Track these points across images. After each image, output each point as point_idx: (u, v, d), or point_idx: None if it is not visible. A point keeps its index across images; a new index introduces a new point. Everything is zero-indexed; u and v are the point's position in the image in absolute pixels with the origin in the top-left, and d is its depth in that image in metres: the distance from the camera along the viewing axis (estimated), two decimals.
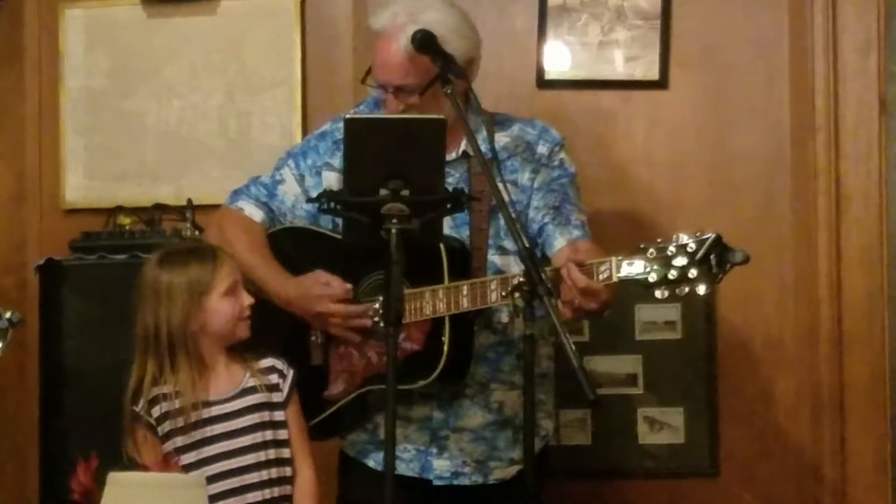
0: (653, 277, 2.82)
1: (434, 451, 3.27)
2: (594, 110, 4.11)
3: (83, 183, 4.41)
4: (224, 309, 3.08)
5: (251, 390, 3.10)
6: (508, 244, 3.20)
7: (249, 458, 3.04)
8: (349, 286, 3.26)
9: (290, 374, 3.17)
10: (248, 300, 3.13)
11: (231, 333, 3.11)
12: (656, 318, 4.00)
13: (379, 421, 3.17)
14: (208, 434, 3.03)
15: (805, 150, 3.98)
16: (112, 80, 4.40)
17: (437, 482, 3.23)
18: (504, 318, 3.20)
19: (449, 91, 2.97)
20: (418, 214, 2.71)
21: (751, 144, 4.08)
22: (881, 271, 4.01)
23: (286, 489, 3.10)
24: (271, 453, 3.06)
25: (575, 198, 3.33)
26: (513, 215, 2.93)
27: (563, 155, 3.34)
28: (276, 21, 4.36)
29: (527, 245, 2.78)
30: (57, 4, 4.38)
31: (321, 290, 3.22)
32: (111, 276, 3.84)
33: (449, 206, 2.85)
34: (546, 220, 3.26)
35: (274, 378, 3.16)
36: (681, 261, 2.79)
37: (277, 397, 3.14)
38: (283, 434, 3.13)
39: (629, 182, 4.11)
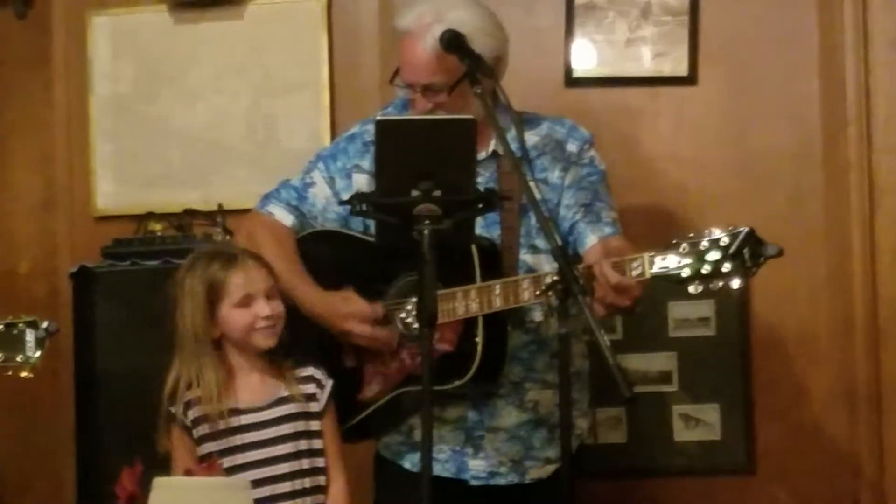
0: (686, 273, 2.80)
1: (469, 451, 3.24)
2: (622, 108, 4.09)
3: (113, 189, 4.38)
4: (234, 319, 3.06)
5: (286, 399, 3.08)
6: (540, 243, 3.17)
7: (283, 468, 3.02)
8: (377, 308, 3.21)
9: (329, 384, 3.13)
10: (267, 310, 3.05)
11: (247, 343, 3.09)
12: (690, 315, 3.96)
13: (414, 422, 3.16)
14: (239, 442, 3.00)
15: (836, 145, 3.95)
16: (139, 86, 4.39)
17: (473, 482, 3.20)
18: (537, 316, 3.17)
19: (479, 90, 2.94)
20: (450, 215, 2.65)
21: (780, 140, 4.03)
22: None
23: (319, 498, 3.06)
24: (305, 463, 3.05)
25: (605, 195, 3.30)
26: (544, 213, 2.92)
27: (592, 153, 3.31)
28: (302, 24, 4.34)
29: (559, 243, 2.75)
30: (84, 11, 4.35)
31: (348, 308, 3.21)
32: (143, 282, 3.80)
33: (481, 206, 2.80)
34: (577, 217, 3.21)
35: (311, 388, 3.14)
36: (714, 255, 2.78)
37: (315, 407, 3.12)
38: (318, 444, 3.11)
39: (658, 179, 4.08)
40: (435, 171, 2.67)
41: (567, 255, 2.92)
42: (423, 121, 3.07)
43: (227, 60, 4.39)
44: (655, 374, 4.02)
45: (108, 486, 2.97)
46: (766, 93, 4.06)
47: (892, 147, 3.96)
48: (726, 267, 2.78)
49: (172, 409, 2.98)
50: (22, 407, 4.24)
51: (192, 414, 3.03)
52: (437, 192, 2.61)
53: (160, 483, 2.26)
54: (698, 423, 4.05)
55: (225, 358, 3.06)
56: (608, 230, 3.16)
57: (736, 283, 2.78)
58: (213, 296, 3.01)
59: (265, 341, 3.03)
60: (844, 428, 3.92)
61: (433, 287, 2.66)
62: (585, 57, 4.10)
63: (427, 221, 2.60)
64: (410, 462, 3.17)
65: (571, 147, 3.30)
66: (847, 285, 3.97)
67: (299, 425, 3.05)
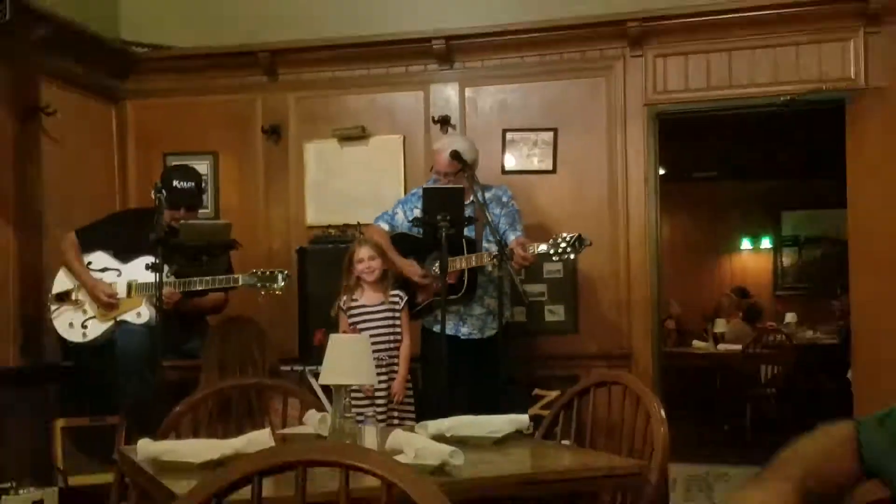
0: (551, 251, 4.14)
1: (461, 324, 4.51)
2: (526, 183, 5.23)
3: (314, 214, 5.54)
4: (356, 269, 4.21)
5: (385, 303, 4.27)
6: (491, 238, 4.24)
7: (384, 335, 4.24)
8: (419, 268, 4.41)
9: (405, 298, 4.32)
10: (362, 266, 4.17)
11: (363, 278, 4.21)
12: (552, 269, 5.18)
13: (438, 312, 4.22)
14: (365, 321, 4.24)
15: (615, 203, 5.19)
16: (325, 174, 5.56)
17: (462, 337, 4.50)
18: (489, 269, 4.33)
19: (466, 174, 4.32)
20: (453, 226, 4.08)
21: (593, 197, 5.24)
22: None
23: (397, 346, 4.29)
24: (392, 332, 4.28)
25: (519, 219, 4.56)
26: (493, 227, 4.18)
27: (513, 201, 4.62)
28: (393, 147, 5.48)
29: (499, 238, 4.11)
30: (301, 141, 5.52)
31: (412, 267, 4.45)
32: (327, 255, 4.92)
33: (466, 223, 4.25)
34: (506, 228, 4.42)
35: (396, 299, 4.29)
36: (563, 244, 4.12)
37: (397, 308, 4.29)
38: (398, 323, 4.31)
39: (541, 212, 5.23)
40: (446, 208, 4.07)
41: (502, 244, 4.12)
42: (442, 187, 4.35)
43: (362, 161, 5.51)
44: (537, 293, 5.24)
45: (311, 339, 4.77)
46: (587, 175, 5.27)
47: (637, 204, 5.17)
48: (569, 249, 4.13)
49: (341, 304, 4.28)
50: (275, 305, 4.97)
51: (346, 306, 4.29)
52: (448, 217, 4.04)
53: (333, 337, 2.56)
54: (555, 313, 5.30)
55: (362, 284, 4.27)
56: (519, 234, 4.39)
57: (573, 256, 4.19)
58: (352, 258, 4.23)
59: (367, 277, 4.23)
60: (615, 314, 5.20)
61: (446, 256, 4.05)
62: (510, 161, 5.33)
63: (443, 229, 4.02)
64: (436, 328, 4.25)
65: (504, 199, 4.59)
66: (616, 257, 5.17)
67: (390, 315, 4.28)
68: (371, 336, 3.88)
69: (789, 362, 8.76)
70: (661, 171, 5.38)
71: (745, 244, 12.43)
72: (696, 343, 9.45)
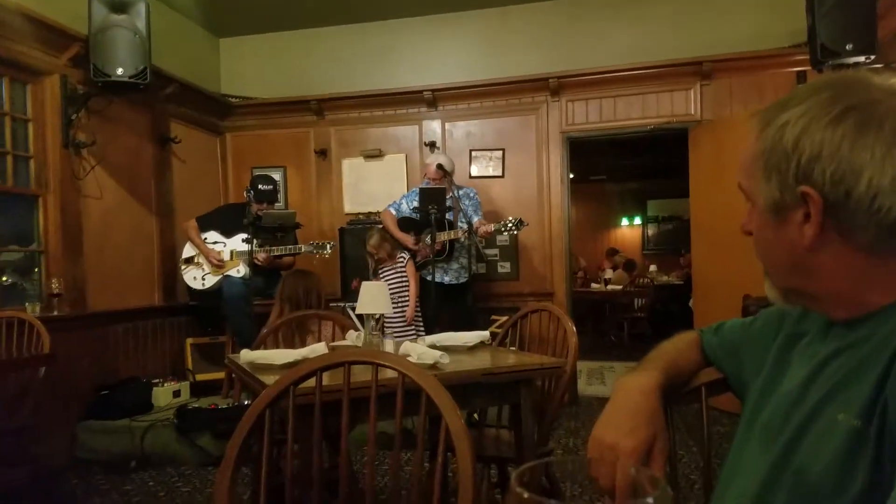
0: (502, 229, 4.14)
1: (444, 274, 4.41)
2: (485, 184, 5.15)
3: (349, 206, 5.43)
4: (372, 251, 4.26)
5: (397, 262, 4.27)
6: (463, 221, 4.23)
7: (395, 285, 4.20)
8: (413, 239, 4.35)
9: (408, 256, 4.29)
10: (371, 242, 4.17)
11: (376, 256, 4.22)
12: (503, 240, 5.08)
13: (430, 267, 4.19)
14: (385, 276, 4.23)
15: (542, 194, 5.11)
16: (357, 179, 5.37)
17: (446, 283, 4.40)
18: (462, 240, 4.30)
19: (448, 179, 4.31)
20: (439, 213, 4.10)
21: (528, 195, 5.15)
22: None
23: (407, 293, 4.24)
24: (401, 282, 4.22)
25: (479, 208, 4.50)
26: (464, 212, 4.20)
27: (477, 196, 4.55)
28: (397, 163, 5.36)
29: (468, 220, 4.14)
30: (342, 158, 5.44)
31: (409, 238, 4.39)
32: (358, 232, 4.89)
33: (447, 210, 4.27)
34: (472, 213, 4.36)
35: (403, 260, 4.28)
36: (510, 224, 4.13)
37: (402, 263, 4.28)
38: (405, 275, 4.27)
39: (495, 203, 5.15)
40: (435, 201, 4.10)
41: (470, 224, 4.14)
42: (432, 188, 4.26)
43: (380, 171, 5.37)
44: (493, 254, 5.18)
45: (349, 285, 4.71)
46: (524, 180, 5.17)
47: (555, 205, 5.06)
48: (513, 228, 4.14)
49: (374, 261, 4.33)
50: (327, 263, 4.78)
51: (373, 266, 4.38)
52: (435, 206, 4.05)
53: (365, 284, 2.39)
54: (504, 267, 5.19)
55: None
56: (480, 217, 4.38)
57: (516, 231, 4.14)
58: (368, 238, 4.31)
59: (377, 255, 4.22)
60: (543, 267, 5.09)
61: (435, 231, 4.09)
62: (474, 170, 5.22)
63: (432, 214, 4.04)
64: (429, 278, 4.23)
65: (471, 195, 4.52)
66: (543, 230, 5.06)
67: (400, 269, 4.28)
68: (389, 283, 3.91)
69: (652, 296, 8.82)
70: (571, 176, 5.28)
71: (624, 222, 12.51)
72: (594, 285, 9.53)
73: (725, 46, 4.66)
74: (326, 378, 1.39)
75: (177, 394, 4.40)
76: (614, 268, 10.20)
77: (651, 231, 12.23)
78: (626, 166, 10.47)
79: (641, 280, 9.19)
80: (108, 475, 3.64)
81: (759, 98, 4.55)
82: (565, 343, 2.42)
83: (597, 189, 12.02)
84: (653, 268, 10.36)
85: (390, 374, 1.29)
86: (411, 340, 2.42)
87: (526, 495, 0.44)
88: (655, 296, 8.86)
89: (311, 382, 1.33)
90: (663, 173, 10.28)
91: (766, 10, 4.61)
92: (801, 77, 4.32)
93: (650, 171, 10.85)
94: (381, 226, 4.49)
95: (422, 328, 4.29)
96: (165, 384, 4.36)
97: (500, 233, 4.22)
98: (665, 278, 9.85)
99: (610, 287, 9.24)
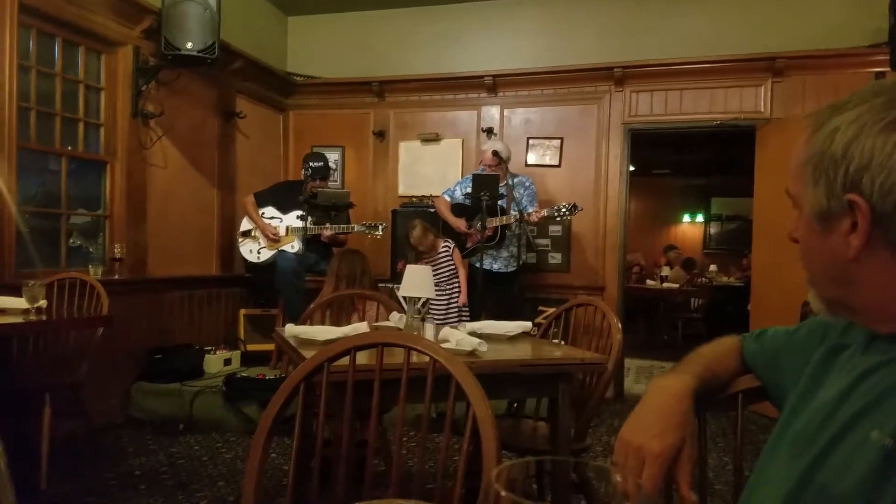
0: (555, 214, 4.12)
1: (493, 262, 4.40)
2: (540, 173, 5.09)
3: (404, 188, 5.47)
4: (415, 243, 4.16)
5: (448, 249, 4.29)
6: (515, 208, 4.23)
7: (440, 274, 4.22)
8: (467, 223, 4.35)
9: (453, 244, 4.27)
10: (413, 234, 4.13)
11: (419, 248, 4.17)
12: (554, 229, 5.05)
13: (479, 254, 4.21)
14: (431, 263, 4.18)
15: (599, 185, 5.03)
16: (413, 162, 5.45)
17: (494, 270, 4.39)
18: (513, 227, 4.31)
19: (504, 166, 4.33)
20: (491, 199, 4.11)
21: (585, 186, 5.07)
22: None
23: (452, 282, 4.24)
24: (446, 271, 4.27)
25: (535, 198, 4.44)
26: (516, 200, 4.27)
27: (532, 185, 4.51)
28: (454, 147, 5.36)
29: (520, 209, 4.16)
30: (399, 141, 5.47)
31: (462, 224, 4.39)
32: (411, 215, 4.82)
33: (499, 198, 4.25)
34: (526, 203, 4.35)
35: (447, 249, 4.27)
36: (564, 210, 4.10)
37: (447, 252, 4.27)
38: (452, 264, 4.26)
39: (551, 193, 5.08)
40: (487, 188, 4.11)
41: (521, 212, 4.14)
42: (486, 174, 4.28)
43: (435, 155, 5.39)
44: (544, 244, 5.13)
45: (396, 265, 4.67)
46: (581, 170, 5.08)
47: (613, 197, 4.98)
48: (566, 213, 4.10)
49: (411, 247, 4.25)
50: (378, 244, 4.96)
51: (412, 259, 4.11)
52: (488, 193, 4.07)
53: (409, 266, 2.38)
54: (555, 258, 5.12)
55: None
56: (535, 206, 4.30)
57: (569, 216, 4.12)
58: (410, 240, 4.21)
59: (421, 247, 4.14)
60: (594, 259, 5.03)
61: (485, 217, 4.11)
62: (531, 158, 5.17)
63: (484, 200, 4.06)
64: (478, 265, 4.23)
65: (527, 184, 4.49)
66: (597, 221, 5.02)
67: (444, 258, 4.28)
68: (434, 270, 3.90)
69: (709, 297, 8.58)
70: (631, 168, 5.19)
71: (686, 218, 12.20)
72: (649, 282, 9.34)
73: (800, 43, 4.52)
74: (362, 357, 1.39)
75: (227, 362, 4.49)
76: (668, 264, 9.97)
77: (713, 229, 11.88)
78: (690, 161, 10.19)
79: (700, 280, 8.95)
80: (157, 436, 3.76)
81: (833, 98, 4.37)
82: (610, 339, 2.39)
83: (659, 183, 11.74)
84: (713, 267, 10.07)
85: (424, 358, 1.30)
86: (453, 327, 2.41)
87: (503, 493, 0.42)
88: (713, 297, 8.62)
89: (346, 360, 1.34)
90: (729, 170, 9.95)
91: (846, 7, 4.45)
92: (880, 79, 4.18)
93: (715, 168, 10.53)
94: (418, 220, 4.45)
95: (466, 315, 4.26)
96: (217, 352, 4.44)
97: (553, 218, 4.18)
98: (725, 279, 9.55)
99: (666, 285, 9.05)
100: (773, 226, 4.48)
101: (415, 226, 4.17)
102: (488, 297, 4.25)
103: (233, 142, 5.09)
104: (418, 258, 4.17)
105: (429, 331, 2.32)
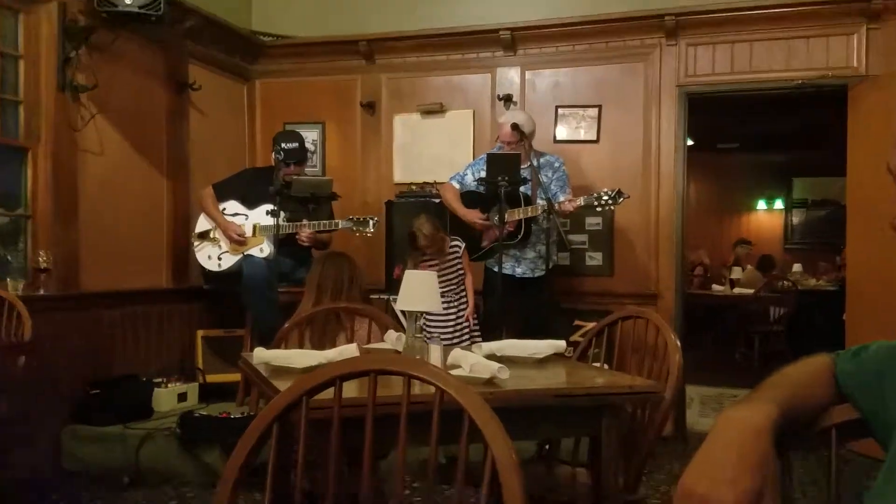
0: (595, 203, 4.14)
1: (516, 265, 4.51)
2: (573, 151, 5.14)
3: (400, 173, 5.56)
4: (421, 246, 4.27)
5: (452, 250, 4.41)
6: (542, 196, 4.19)
7: (446, 280, 4.31)
8: (482, 216, 4.41)
9: (463, 245, 4.40)
10: (423, 230, 4.21)
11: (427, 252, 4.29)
12: (592, 223, 5.15)
13: (497, 255, 4.19)
14: (436, 268, 4.21)
15: (648, 164, 5.10)
16: (410, 139, 5.55)
17: (518, 275, 4.49)
18: (541, 220, 4.35)
19: (526, 143, 4.34)
20: (510, 185, 4.07)
21: (627, 161, 5.14)
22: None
23: (460, 290, 4.42)
24: (456, 273, 4.41)
25: (567, 182, 4.52)
26: (543, 186, 4.20)
27: (563, 167, 4.57)
28: (464, 121, 5.44)
29: (548, 196, 4.11)
30: (392, 114, 5.56)
31: (477, 217, 4.43)
32: (410, 207, 4.94)
33: (521, 183, 4.22)
34: (557, 189, 4.42)
35: (457, 247, 4.41)
36: (605, 197, 4.10)
37: (457, 253, 4.41)
38: (460, 268, 4.42)
39: (585, 174, 5.17)
40: (506, 170, 4.06)
41: (551, 201, 4.10)
42: (504, 154, 4.33)
43: (439, 131, 5.48)
44: (579, 241, 5.18)
45: (392, 271, 4.76)
46: (625, 146, 5.16)
47: (669, 173, 5.02)
48: (609, 201, 4.09)
49: (417, 251, 4.30)
50: (367, 244, 5.11)
51: (414, 262, 4.27)
52: (506, 178, 4.03)
53: (408, 273, 2.45)
54: (594, 259, 5.21)
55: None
56: (567, 194, 4.37)
57: (612, 206, 4.13)
58: (415, 243, 4.25)
59: (429, 251, 4.29)
60: (645, 260, 5.08)
61: (504, 209, 4.06)
62: (561, 132, 5.25)
63: (502, 187, 4.02)
64: (497, 268, 4.22)
65: (556, 164, 4.55)
66: (647, 211, 5.04)
67: (453, 261, 4.41)
68: (440, 276, 3.84)
69: (794, 305, 8.58)
70: (689, 142, 5.24)
71: (761, 205, 12.17)
72: (715, 287, 9.35)
73: None
74: (351, 389, 1.41)
75: (182, 397, 4.54)
76: (739, 263, 9.95)
77: (796, 218, 11.87)
78: (765, 132, 10.15)
79: (780, 283, 8.94)
80: (96, 491, 3.75)
81: None
82: (666, 361, 2.42)
83: (725, 161, 11.69)
84: (796, 267, 10.07)
85: (429, 388, 1.30)
86: (464, 347, 2.46)
87: None
88: (798, 304, 8.60)
89: (331, 393, 1.35)
90: (815, 143, 9.92)
91: None
92: None
93: (798, 140, 10.50)
94: (423, 214, 4.52)
95: (478, 333, 4.34)
96: (169, 385, 4.46)
97: (592, 208, 4.19)
98: (812, 282, 9.56)
99: (737, 290, 9.05)
100: (874, 212, 4.49)
101: (422, 223, 4.24)
102: (510, 310, 4.27)
103: (185, 120, 5.13)
104: (418, 262, 4.25)
105: (435, 354, 2.34)
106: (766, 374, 1.03)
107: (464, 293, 4.39)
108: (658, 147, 5.13)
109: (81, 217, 4.31)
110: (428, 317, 4.16)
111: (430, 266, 4.25)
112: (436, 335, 4.06)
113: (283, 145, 4.59)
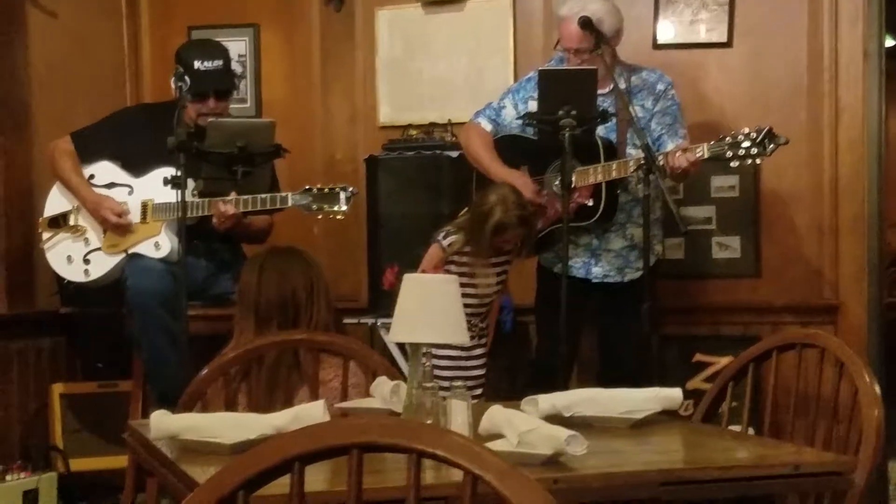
0: (728, 153, 4.12)
1: (592, 262, 4.57)
2: (688, 62, 5.24)
3: (389, 110, 5.67)
4: (498, 239, 4.34)
5: (499, 260, 4.52)
6: (637, 142, 4.27)
7: (488, 299, 4.49)
8: (531, 181, 4.48)
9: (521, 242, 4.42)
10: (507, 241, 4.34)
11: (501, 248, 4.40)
12: (723, 185, 5.17)
13: (559, 247, 4.28)
14: (468, 277, 4.32)
15: (818, 82, 5.13)
16: (404, 52, 5.67)
17: (594, 280, 4.57)
18: (634, 184, 4.38)
19: (600, 53, 4.30)
20: (581, 125, 4.06)
21: (778, 78, 5.20)
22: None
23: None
24: (497, 292, 4.55)
25: (680, 119, 4.56)
26: (638, 125, 4.23)
27: (672, 91, 4.60)
28: (499, 13, 5.50)
29: (647, 142, 4.10)
30: (373, 8, 5.62)
31: (521, 179, 4.47)
32: (406, 164, 5.10)
33: (598, 119, 4.23)
34: (662, 131, 4.48)
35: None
36: (746, 143, 4.09)
37: (508, 263, 4.52)
38: (506, 277, 4.53)
39: (709, 105, 5.25)
40: (573, 99, 4.06)
41: (650, 149, 4.13)
42: (569, 69, 4.40)
43: (454, 35, 5.58)
44: (701, 218, 5.21)
45: (380, 277, 4.83)
46: (776, 52, 5.21)
47: (850, 82, 5.09)
48: (753, 150, 4.10)
49: (444, 244, 4.39)
50: (335, 234, 5.37)
51: (451, 251, 4.42)
52: (574, 111, 4.00)
53: (409, 278, 2.57)
54: (727, 248, 5.23)
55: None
56: (680, 140, 4.41)
57: (759, 160, 4.14)
58: (497, 227, 4.23)
59: (506, 247, 4.37)
60: (816, 248, 5.17)
61: (571, 168, 4.06)
62: (665, 32, 5.29)
63: (567, 129, 4.01)
64: (557, 268, 4.35)
65: (660, 87, 4.59)
66: (818, 164, 5.15)
67: (504, 266, 4.52)
68: (471, 290, 4.11)
69: None
70: (890, 43, 5.30)
71: None
72: None
73: None
74: (317, 477, 1.47)
75: (30, 497, 4.53)
76: None
77: None
78: None
79: None
80: None
81: None
82: (857, 419, 2.47)
83: None
84: None
85: (454, 473, 1.32)
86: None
87: None
88: None
89: (284, 485, 1.35)
90: None
91: None
92: None
93: None
94: (509, 187, 4.50)
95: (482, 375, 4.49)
96: (7, 478, 4.44)
97: (724, 162, 4.22)
98: None
99: None
100: None
101: (511, 201, 4.25)
102: (585, 336, 4.46)
103: (23, 32, 5.16)
104: (449, 258, 4.41)
105: (459, 414, 2.35)
106: None
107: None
108: (834, 50, 5.13)
109: None
110: (441, 353, 4.04)
111: (464, 271, 4.35)
112: (457, 384, 4.07)
113: (194, 65, 4.63)
